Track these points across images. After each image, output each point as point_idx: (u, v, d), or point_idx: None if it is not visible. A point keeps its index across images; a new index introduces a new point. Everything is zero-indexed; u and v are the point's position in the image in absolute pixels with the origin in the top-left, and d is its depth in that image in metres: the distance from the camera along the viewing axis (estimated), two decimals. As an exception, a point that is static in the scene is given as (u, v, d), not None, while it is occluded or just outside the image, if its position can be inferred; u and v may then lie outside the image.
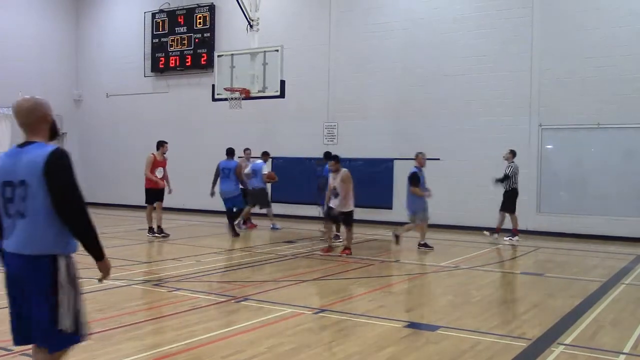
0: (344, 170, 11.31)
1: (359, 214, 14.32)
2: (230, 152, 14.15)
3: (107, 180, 21.59)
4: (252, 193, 15.12)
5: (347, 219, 11.45)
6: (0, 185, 3.49)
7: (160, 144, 13.72)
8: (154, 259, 11.46)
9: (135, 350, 5.43)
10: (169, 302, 7.32)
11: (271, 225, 15.65)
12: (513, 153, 13.93)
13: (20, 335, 3.56)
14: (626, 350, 5.69)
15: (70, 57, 22.71)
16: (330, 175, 11.44)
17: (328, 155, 13.01)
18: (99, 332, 5.97)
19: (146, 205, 13.61)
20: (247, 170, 15.10)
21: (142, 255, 11.70)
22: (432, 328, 6.30)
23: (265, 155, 16.05)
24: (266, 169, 15.65)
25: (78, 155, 22.22)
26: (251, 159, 15.78)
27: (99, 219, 13.43)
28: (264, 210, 15.80)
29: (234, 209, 14.13)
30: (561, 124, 15.14)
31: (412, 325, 6.42)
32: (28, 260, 3.41)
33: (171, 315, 6.65)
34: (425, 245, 12.34)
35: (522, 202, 15.16)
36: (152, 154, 13.58)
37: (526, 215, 15.23)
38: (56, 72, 22.11)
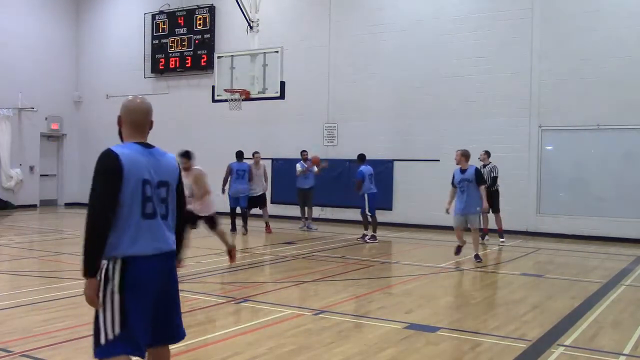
0: (195, 168, 9.60)
1: (356, 215, 14.35)
2: (240, 155, 15.07)
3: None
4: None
5: (210, 223, 9.66)
6: (141, 183, 3.43)
7: None
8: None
9: (134, 351, 5.41)
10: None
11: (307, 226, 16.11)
12: (488, 154, 13.94)
13: (158, 336, 3.57)
14: (626, 351, 5.68)
15: (71, 58, 22.71)
16: (183, 174, 10.54)
17: (362, 157, 14.17)
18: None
19: None
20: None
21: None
22: (432, 329, 6.29)
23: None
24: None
25: (77, 157, 22.23)
26: (261, 162, 15.56)
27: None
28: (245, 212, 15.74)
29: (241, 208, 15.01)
30: (561, 125, 15.13)
31: (412, 326, 6.41)
32: (174, 259, 3.62)
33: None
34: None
35: (522, 203, 15.16)
36: None
37: (526, 216, 15.23)
38: (56, 73, 22.11)
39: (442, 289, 8.82)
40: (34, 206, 21.36)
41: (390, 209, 16.99)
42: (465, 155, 10.93)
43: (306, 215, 16.21)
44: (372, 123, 17.35)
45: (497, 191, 13.70)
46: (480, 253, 10.97)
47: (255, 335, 5.99)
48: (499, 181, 13.75)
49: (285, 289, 8.43)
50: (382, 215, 16.89)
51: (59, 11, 22.36)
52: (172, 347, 5.52)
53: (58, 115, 22.10)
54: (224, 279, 9.05)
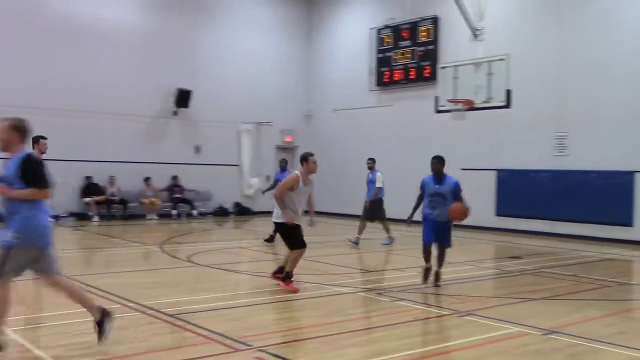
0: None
1: (591, 230, 13.25)
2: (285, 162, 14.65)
3: (334, 191, 22.61)
4: (366, 206, 14.34)
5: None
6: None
7: None
8: (377, 268, 11.72)
9: (357, 356, 5.59)
10: (390, 311, 7.43)
11: (385, 240, 14.29)
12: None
13: None
14: None
15: (303, 75, 24.32)
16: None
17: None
18: (326, 335, 6.26)
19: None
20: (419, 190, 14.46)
21: (365, 264, 12.05)
22: (683, 362, 5.59)
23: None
24: (381, 179, 14.32)
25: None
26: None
27: (325, 228, 14.18)
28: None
29: None
30: None
31: (658, 356, 5.75)
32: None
33: (393, 325, 6.73)
34: None
35: None
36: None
37: None
38: (291, 90, 23.85)
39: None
40: (270, 212, 23.09)
41: (631, 225, 15.43)
42: None
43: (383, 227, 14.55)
44: (607, 130, 15.94)
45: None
46: None
47: (480, 351, 5.83)
48: None
49: (511, 305, 8.09)
50: (619, 232, 15.46)
51: (293, 34, 24.11)
52: (393, 355, 5.62)
53: (291, 129, 23.77)
54: (446, 291, 8.96)
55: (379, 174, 14.29)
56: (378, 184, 14.17)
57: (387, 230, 14.28)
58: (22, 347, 5.59)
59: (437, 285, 8.88)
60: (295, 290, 8.28)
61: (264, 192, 16.20)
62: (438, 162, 8.86)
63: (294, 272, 8.52)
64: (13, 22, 17.93)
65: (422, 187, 9.00)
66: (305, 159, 8.67)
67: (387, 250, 13.50)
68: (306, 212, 8.90)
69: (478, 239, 15.81)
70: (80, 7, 19.12)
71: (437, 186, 8.78)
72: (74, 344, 5.72)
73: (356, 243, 13.75)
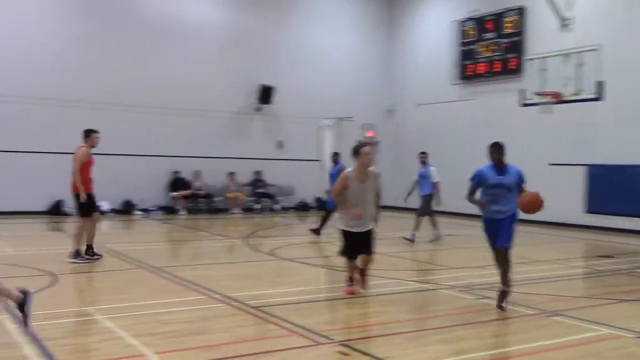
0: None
1: None
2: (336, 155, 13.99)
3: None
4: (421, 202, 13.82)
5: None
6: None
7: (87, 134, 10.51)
8: (461, 265, 11.51)
9: (442, 354, 5.51)
10: (475, 309, 7.28)
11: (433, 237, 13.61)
12: None
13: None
14: None
15: (384, 70, 24.18)
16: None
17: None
18: (410, 331, 6.23)
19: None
20: (414, 176, 14.02)
21: (449, 261, 11.86)
22: None
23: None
24: (436, 174, 13.77)
25: (390, 163, 23.49)
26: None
27: (406, 224, 14.05)
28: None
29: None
30: None
31: None
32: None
33: (477, 323, 6.60)
34: None
35: None
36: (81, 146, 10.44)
37: None
38: (371, 84, 23.78)
39: None
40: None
41: None
42: None
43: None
44: None
45: None
46: None
47: (570, 353, 5.62)
48: None
49: (602, 306, 7.76)
50: None
51: (373, 28, 24.01)
52: (478, 353, 5.51)
53: (372, 123, 23.70)
54: (533, 290, 8.69)
55: (432, 168, 13.84)
56: (436, 179, 13.70)
57: (434, 225, 13.69)
58: (115, 334, 5.85)
59: (501, 308, 7.19)
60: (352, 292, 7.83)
61: (326, 191, 15.11)
62: (499, 150, 7.54)
63: (361, 274, 7.89)
64: (103, 24, 18.79)
65: (478, 178, 7.53)
66: (356, 151, 7.74)
67: (469, 246, 13.23)
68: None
69: (565, 237, 15.25)
70: (166, 7, 19.80)
71: (500, 177, 7.40)
72: (163, 333, 5.93)
73: (412, 240, 13.31)
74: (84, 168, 10.16)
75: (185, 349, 5.45)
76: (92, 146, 10.33)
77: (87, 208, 10.25)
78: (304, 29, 22.35)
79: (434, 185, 13.65)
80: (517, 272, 9.87)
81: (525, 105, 14.89)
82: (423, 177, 13.85)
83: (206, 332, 6.02)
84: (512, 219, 7.37)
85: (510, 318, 6.91)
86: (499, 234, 7.34)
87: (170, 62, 19.61)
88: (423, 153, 14.07)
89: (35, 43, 17.66)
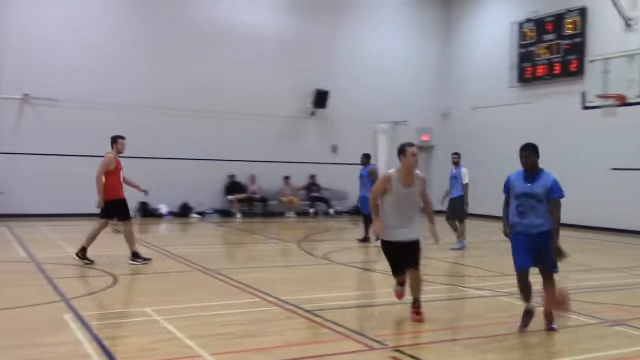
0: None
1: None
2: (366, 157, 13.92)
3: (473, 192, 21.99)
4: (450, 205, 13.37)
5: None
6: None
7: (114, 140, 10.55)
8: (513, 272, 11.24)
9: (498, 362, 5.41)
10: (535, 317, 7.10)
11: (456, 245, 13.04)
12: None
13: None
14: None
15: (439, 73, 23.93)
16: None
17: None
18: (465, 339, 6.13)
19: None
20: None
21: (504, 267, 11.60)
22: None
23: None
24: (466, 175, 13.35)
25: (446, 167, 23.19)
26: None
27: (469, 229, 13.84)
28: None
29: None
30: None
31: None
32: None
33: (535, 332, 6.43)
34: None
35: None
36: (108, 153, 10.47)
37: None
38: (426, 88, 23.57)
39: None
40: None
41: None
42: None
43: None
44: None
45: None
46: None
47: (631, 364, 5.43)
48: None
49: (668, 316, 7.46)
50: None
51: (429, 31, 23.80)
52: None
53: (428, 127, 23.46)
54: (594, 298, 8.43)
55: (464, 169, 13.41)
56: (465, 180, 13.26)
57: (461, 234, 13.23)
58: (172, 335, 5.97)
59: (551, 328, 6.39)
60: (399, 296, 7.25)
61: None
62: (530, 153, 6.51)
63: (413, 306, 6.85)
64: (158, 28, 19.27)
65: (505, 186, 6.63)
66: (402, 150, 6.73)
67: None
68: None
69: (630, 244, 14.74)
70: (221, 11, 20.20)
71: (528, 185, 6.37)
72: (219, 334, 6.02)
73: (461, 248, 12.96)
74: (112, 174, 10.18)
75: (240, 351, 5.51)
76: (119, 152, 10.34)
77: (123, 211, 10.36)
78: (359, 32, 22.35)
79: (464, 187, 13.33)
80: (578, 279, 9.63)
81: (587, 108, 14.47)
82: (454, 179, 13.52)
83: (260, 335, 6.08)
84: (549, 236, 6.28)
85: (570, 327, 6.71)
86: (538, 254, 6.35)
87: (226, 66, 19.93)
88: (456, 153, 13.75)
89: (105, 50, 18.28)
